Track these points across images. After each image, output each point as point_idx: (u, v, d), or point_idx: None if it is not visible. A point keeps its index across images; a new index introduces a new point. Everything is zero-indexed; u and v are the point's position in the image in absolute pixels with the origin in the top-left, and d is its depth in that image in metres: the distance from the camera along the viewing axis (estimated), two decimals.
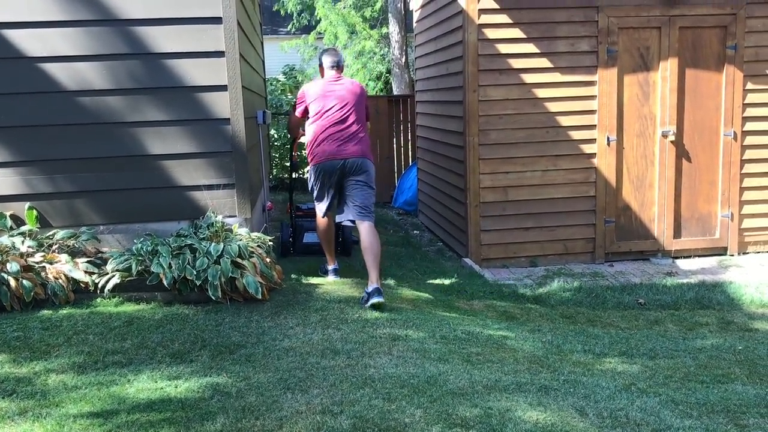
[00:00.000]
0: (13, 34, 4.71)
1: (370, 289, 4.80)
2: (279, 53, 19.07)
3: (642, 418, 3.25)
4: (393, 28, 15.42)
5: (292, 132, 5.86)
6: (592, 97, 6.67)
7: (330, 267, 5.60)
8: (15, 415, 3.04)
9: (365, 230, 5.15)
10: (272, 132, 10.81)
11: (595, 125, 6.70)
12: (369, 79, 19.69)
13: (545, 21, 6.53)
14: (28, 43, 4.74)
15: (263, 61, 9.33)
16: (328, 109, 5.18)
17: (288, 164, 11.29)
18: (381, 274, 5.17)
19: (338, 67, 5.37)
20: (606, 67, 6.63)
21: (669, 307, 5.56)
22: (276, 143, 11.03)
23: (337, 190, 5.31)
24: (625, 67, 6.69)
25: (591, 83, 6.66)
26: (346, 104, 5.20)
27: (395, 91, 15.47)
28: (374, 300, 4.69)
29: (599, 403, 3.42)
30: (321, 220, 5.46)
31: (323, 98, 5.21)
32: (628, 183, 6.85)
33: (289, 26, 21.88)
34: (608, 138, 6.71)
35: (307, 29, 21.41)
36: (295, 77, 20.51)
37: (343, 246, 6.59)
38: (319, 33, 19.65)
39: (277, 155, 11.10)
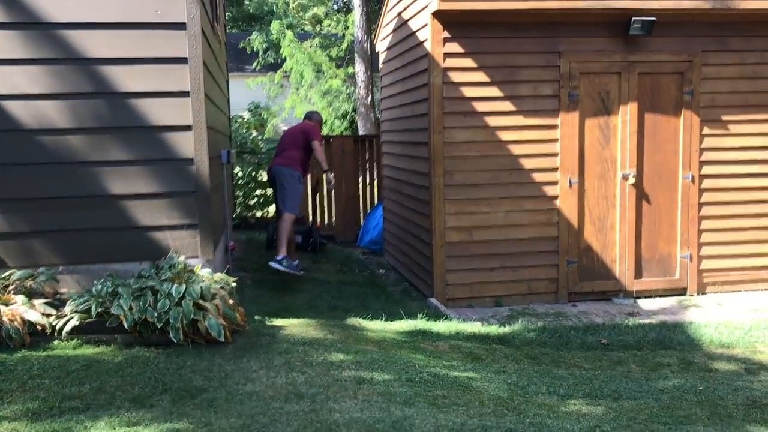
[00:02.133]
0: None
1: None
2: (244, 90, 19.09)
3: None
4: (359, 68, 15.59)
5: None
6: (554, 141, 6.79)
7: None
8: None
9: None
10: (236, 170, 10.76)
11: (557, 168, 6.82)
12: (335, 118, 19.80)
13: (508, 65, 6.66)
14: None
15: (228, 100, 9.33)
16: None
17: (253, 202, 11.29)
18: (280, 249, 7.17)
19: (306, 118, 8.07)
20: (568, 111, 6.78)
21: (631, 348, 5.60)
22: (240, 181, 10.97)
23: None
24: (586, 110, 6.84)
25: (553, 126, 6.78)
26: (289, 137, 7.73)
27: (361, 131, 15.58)
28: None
29: None
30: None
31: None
32: (590, 224, 6.95)
33: (255, 64, 22.01)
34: (570, 180, 6.82)
35: (273, 67, 21.52)
36: (260, 114, 20.52)
37: (313, 245, 9.05)
38: (286, 72, 19.77)
39: (240, 193, 11.04)
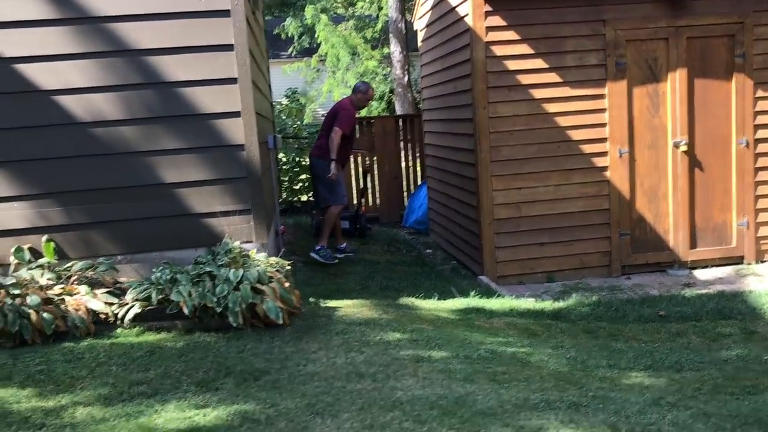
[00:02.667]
0: (27, 69, 4.74)
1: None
2: (281, 76, 19.18)
3: None
4: (394, 48, 15.52)
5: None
6: (602, 110, 6.67)
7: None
8: None
9: None
10: (280, 155, 10.84)
11: (606, 138, 6.70)
12: (372, 100, 19.76)
13: (552, 36, 6.55)
14: (42, 76, 4.77)
15: (270, 86, 9.38)
16: None
17: (298, 187, 11.36)
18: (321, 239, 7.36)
19: (353, 91, 7.75)
20: (615, 80, 6.64)
21: (690, 319, 5.51)
22: (284, 166, 11.05)
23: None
24: (634, 78, 6.70)
25: (600, 96, 6.66)
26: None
27: (398, 111, 15.54)
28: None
29: (630, 419, 3.38)
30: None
31: None
32: (641, 194, 6.83)
33: (290, 50, 22.05)
34: (620, 150, 6.71)
35: (308, 52, 21.56)
36: (298, 100, 20.62)
37: (360, 230, 8.89)
38: (321, 56, 19.79)
39: (285, 179, 11.12)
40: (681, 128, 6.77)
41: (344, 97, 7.79)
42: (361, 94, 7.58)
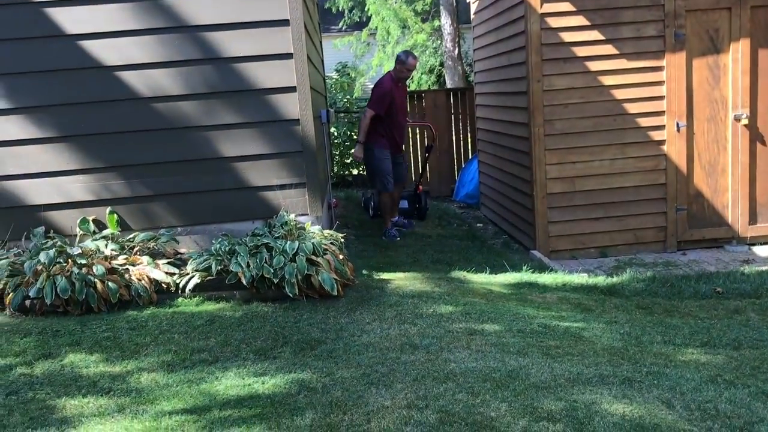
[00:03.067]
0: (90, 45, 4.87)
1: None
2: (332, 50, 19.19)
3: (732, 411, 3.19)
4: (445, 21, 15.36)
5: None
6: (659, 83, 6.53)
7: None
8: (114, 412, 3.16)
9: None
10: (332, 130, 10.91)
11: (664, 111, 6.56)
12: (422, 73, 19.67)
13: (609, 7, 6.41)
14: (105, 52, 4.90)
15: (322, 60, 9.42)
16: None
17: (350, 161, 11.41)
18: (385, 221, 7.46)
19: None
20: (674, 51, 6.48)
21: (749, 296, 5.40)
22: (336, 140, 11.12)
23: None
24: (693, 50, 6.52)
25: (658, 68, 6.51)
26: None
27: (448, 84, 15.42)
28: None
29: (686, 395, 3.36)
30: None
31: None
32: (699, 169, 6.68)
33: (341, 23, 22.00)
34: (678, 124, 6.56)
35: (358, 26, 21.49)
36: (348, 74, 20.63)
37: (420, 211, 8.47)
38: (372, 29, 19.70)
39: (336, 153, 11.20)
40: (742, 101, 6.57)
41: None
42: (400, 64, 7.21)
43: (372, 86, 7.45)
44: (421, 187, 8.73)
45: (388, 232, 7.34)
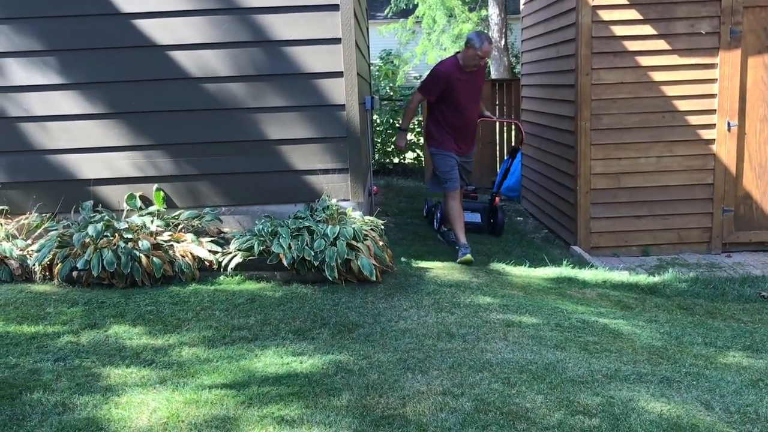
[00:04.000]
0: (143, 24, 4.96)
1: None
2: (377, 37, 19.16)
3: None
4: (492, 11, 15.23)
5: None
6: (712, 81, 6.39)
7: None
8: (156, 383, 3.24)
9: None
10: (375, 117, 10.93)
11: (715, 110, 6.42)
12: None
13: (663, 1, 6.29)
14: (157, 32, 4.98)
15: (368, 47, 9.43)
16: None
17: (391, 149, 11.39)
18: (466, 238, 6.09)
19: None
20: (728, 49, 6.33)
21: None
22: (378, 128, 11.14)
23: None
24: (749, 48, 6.36)
25: (711, 66, 6.37)
26: None
27: (493, 74, 15.30)
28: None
29: (725, 398, 3.31)
30: None
31: None
32: (749, 170, 6.53)
33: (387, 11, 21.96)
34: (729, 123, 6.42)
35: (405, 13, 21.42)
36: (393, 62, 20.57)
37: (494, 226, 7.19)
38: (418, 17, 19.63)
39: (378, 140, 11.22)
40: None
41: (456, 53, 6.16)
42: (471, 49, 5.87)
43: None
44: (498, 198, 7.23)
45: (462, 248, 5.86)
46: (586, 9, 6.29)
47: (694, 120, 6.44)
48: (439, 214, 6.95)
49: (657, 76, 6.38)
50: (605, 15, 6.32)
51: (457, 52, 6.12)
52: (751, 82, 6.41)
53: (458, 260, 5.68)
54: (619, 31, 6.33)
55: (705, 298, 5.39)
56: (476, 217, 7.07)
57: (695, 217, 6.60)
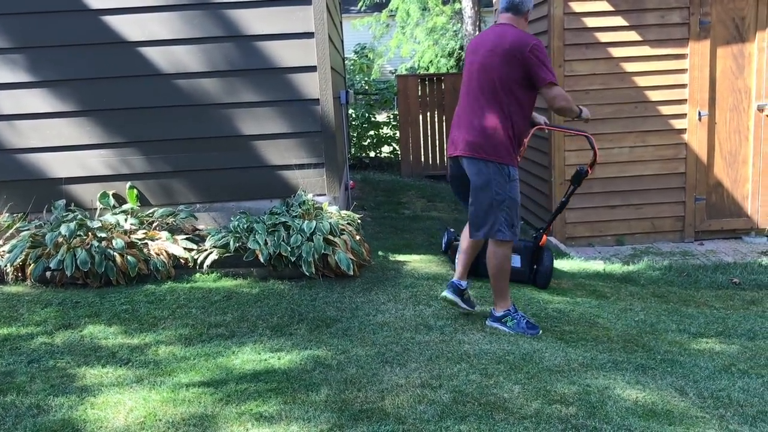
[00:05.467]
0: (113, 20, 4.90)
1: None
2: (351, 31, 19.15)
3: (745, 400, 3.19)
4: (466, 3, 15.26)
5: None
6: (682, 71, 6.46)
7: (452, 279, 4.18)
8: (132, 383, 3.22)
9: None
10: (350, 111, 10.91)
11: (686, 100, 6.50)
12: (441, 56, 19.57)
13: None
14: (128, 28, 4.92)
15: (342, 41, 9.41)
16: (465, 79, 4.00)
17: (367, 143, 11.36)
18: (497, 299, 4.09)
19: (512, 9, 3.87)
20: (698, 39, 6.40)
21: (766, 287, 5.38)
22: (354, 122, 11.12)
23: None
24: (718, 38, 6.44)
25: (682, 56, 6.44)
26: (477, 68, 3.86)
27: None
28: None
29: (699, 383, 3.37)
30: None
31: (467, 56, 4.00)
32: (720, 159, 6.62)
33: (360, 4, 21.92)
34: (699, 113, 6.50)
35: (378, 7, 21.39)
36: (367, 56, 20.53)
37: (541, 275, 5.03)
38: (391, 11, 19.62)
39: (354, 134, 11.20)
40: (766, 91, 6.50)
41: (502, 24, 3.94)
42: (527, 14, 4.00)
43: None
44: (545, 236, 5.09)
45: (518, 321, 4.00)
46: (558, 1, 6.33)
47: (665, 110, 6.52)
48: (451, 239, 5.42)
49: (629, 66, 6.44)
50: (577, 7, 6.36)
51: (508, 23, 3.91)
52: (720, 72, 6.49)
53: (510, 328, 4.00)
54: (591, 22, 6.38)
55: (678, 285, 5.46)
56: (515, 261, 4.93)
57: (668, 206, 6.68)
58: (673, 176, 6.62)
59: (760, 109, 6.52)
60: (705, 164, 6.60)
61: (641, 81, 6.46)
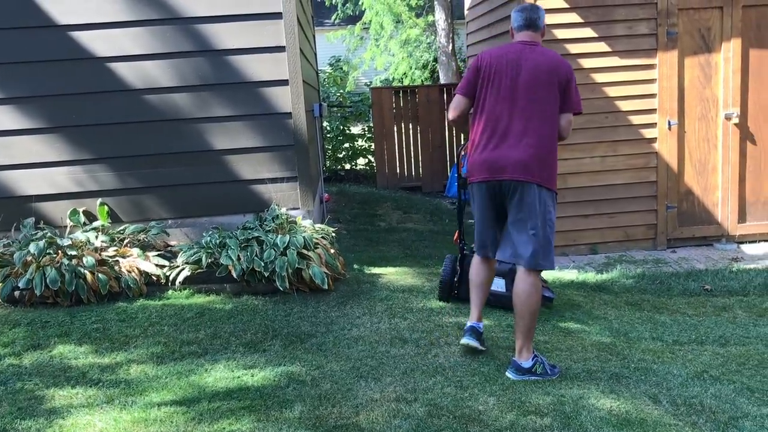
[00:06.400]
0: (82, 36, 4.85)
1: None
2: (325, 44, 19.15)
3: (717, 406, 3.23)
4: (439, 16, 15.33)
5: (456, 123, 3.88)
6: (651, 81, 6.55)
7: (468, 323, 3.82)
8: (103, 403, 3.16)
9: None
10: (325, 124, 10.90)
11: (656, 109, 6.58)
12: (415, 68, 19.67)
13: (603, 5, 6.42)
14: (97, 43, 4.88)
15: (315, 54, 9.41)
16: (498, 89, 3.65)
17: (342, 155, 11.37)
18: (525, 344, 3.56)
19: (532, 26, 3.83)
20: (666, 50, 6.50)
21: (737, 294, 5.45)
22: (328, 135, 11.12)
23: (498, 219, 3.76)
24: (685, 48, 6.54)
25: (650, 66, 6.53)
26: (523, 84, 3.61)
27: (442, 79, 15.41)
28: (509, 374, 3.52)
29: (672, 391, 3.40)
30: (473, 259, 3.91)
31: (496, 72, 3.67)
32: (690, 167, 6.71)
33: (334, 17, 21.98)
34: (669, 122, 6.58)
35: (352, 19, 21.46)
36: (342, 68, 20.55)
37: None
38: (365, 23, 19.69)
39: (329, 147, 11.19)
40: (733, 100, 6.61)
41: (531, 43, 3.81)
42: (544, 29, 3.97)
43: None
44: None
45: (543, 364, 3.58)
46: None
47: (636, 119, 6.59)
48: (448, 274, 4.69)
49: (599, 77, 6.51)
50: (547, 19, 6.37)
51: (533, 41, 3.83)
52: (688, 82, 6.59)
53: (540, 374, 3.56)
54: (561, 34, 6.45)
55: (652, 293, 5.51)
56: (498, 285, 4.59)
57: (640, 214, 6.75)
58: (645, 185, 6.69)
59: (728, 117, 6.63)
60: (675, 172, 6.68)
61: (611, 91, 6.53)
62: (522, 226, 3.59)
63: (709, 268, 6.07)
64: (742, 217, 6.81)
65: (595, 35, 6.46)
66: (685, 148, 6.68)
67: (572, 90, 3.69)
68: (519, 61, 3.67)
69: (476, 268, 3.85)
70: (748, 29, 6.54)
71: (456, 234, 4.79)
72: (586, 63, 6.48)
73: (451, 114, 3.84)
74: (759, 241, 6.83)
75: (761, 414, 3.16)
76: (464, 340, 3.72)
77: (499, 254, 3.72)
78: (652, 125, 6.61)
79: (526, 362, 3.52)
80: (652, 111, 6.59)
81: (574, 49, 6.46)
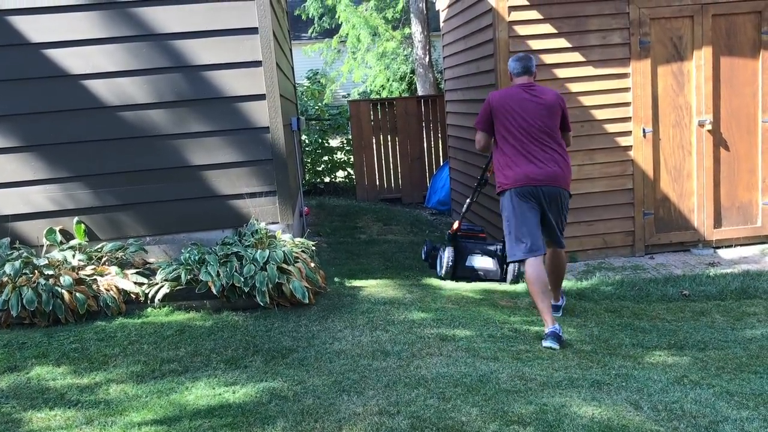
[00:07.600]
0: (56, 53, 4.82)
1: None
2: (302, 58, 19.19)
3: (698, 410, 3.25)
4: (416, 28, 15.42)
5: (483, 150, 5.25)
6: (626, 90, 6.63)
7: (547, 329, 4.37)
8: (82, 425, 3.12)
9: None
10: (303, 137, 10.90)
11: (630, 117, 6.66)
12: (393, 80, 19.75)
13: (576, 15, 6.50)
14: (71, 61, 4.85)
15: (293, 68, 9.42)
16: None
17: (321, 168, 11.38)
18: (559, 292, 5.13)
19: (527, 72, 4.87)
20: (639, 59, 6.59)
21: (714, 298, 5.50)
22: (307, 148, 11.11)
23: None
24: (658, 57, 6.64)
25: (624, 75, 6.61)
26: (537, 116, 4.72)
27: (420, 91, 15.48)
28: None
29: (653, 397, 3.42)
30: (531, 262, 4.62)
31: (508, 111, 4.78)
32: (665, 174, 6.79)
33: (311, 31, 22.03)
34: (644, 130, 6.66)
35: (329, 33, 21.52)
36: (320, 81, 20.58)
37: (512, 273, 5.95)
38: (342, 37, 19.75)
39: (308, 160, 11.19)
40: (706, 107, 6.71)
41: (530, 84, 4.88)
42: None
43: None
44: None
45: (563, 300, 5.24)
46: (502, 25, 6.45)
47: (611, 128, 6.66)
48: (429, 249, 6.31)
49: (574, 87, 6.58)
50: (521, 30, 6.49)
51: (532, 82, 4.92)
52: (662, 90, 6.68)
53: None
54: (535, 45, 6.51)
55: (631, 300, 5.55)
56: (488, 262, 5.98)
57: (618, 221, 6.81)
58: (622, 192, 6.76)
59: (701, 124, 6.72)
60: (651, 179, 6.76)
61: (586, 100, 6.60)
62: (559, 221, 4.88)
63: (686, 274, 6.13)
64: (717, 222, 6.90)
65: (569, 45, 6.53)
66: (660, 155, 6.76)
67: (568, 115, 4.94)
68: (524, 99, 4.77)
69: (537, 270, 4.58)
70: (719, 37, 6.65)
71: (457, 223, 6.31)
72: (561, 73, 6.55)
73: (478, 145, 5.11)
74: (735, 245, 6.92)
75: (741, 417, 3.19)
76: (548, 344, 4.25)
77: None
78: (628, 133, 6.68)
79: (559, 302, 5.06)
80: (627, 119, 6.67)
81: (548, 59, 6.52)
